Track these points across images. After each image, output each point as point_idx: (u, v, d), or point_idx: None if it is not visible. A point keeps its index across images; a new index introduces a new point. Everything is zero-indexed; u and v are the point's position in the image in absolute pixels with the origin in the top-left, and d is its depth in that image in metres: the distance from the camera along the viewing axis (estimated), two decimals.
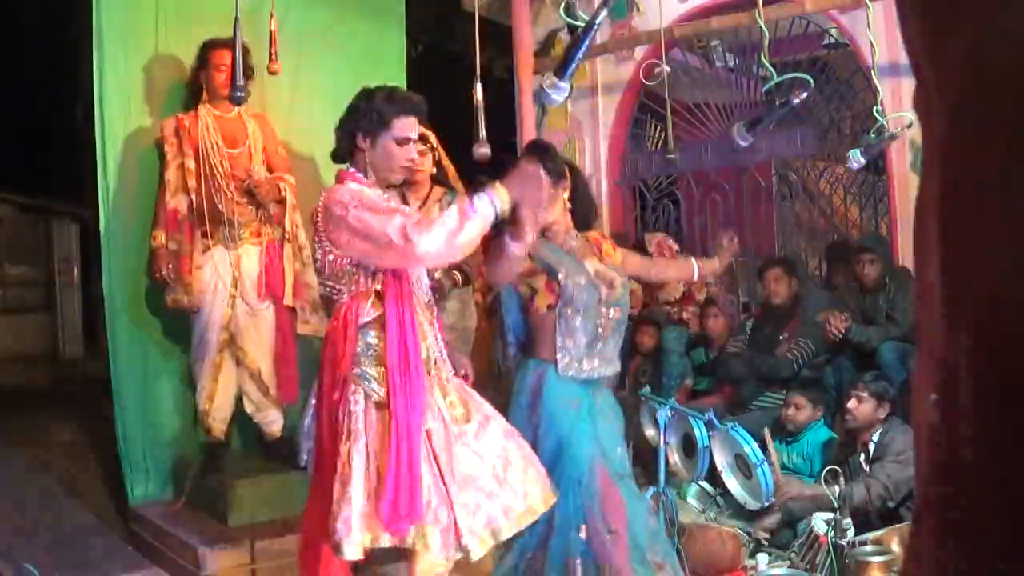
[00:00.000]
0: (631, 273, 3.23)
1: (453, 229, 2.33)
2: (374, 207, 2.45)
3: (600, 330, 2.86)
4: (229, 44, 3.92)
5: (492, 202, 2.37)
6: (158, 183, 4.21)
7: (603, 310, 2.88)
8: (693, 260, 3.41)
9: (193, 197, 4.09)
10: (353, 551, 2.40)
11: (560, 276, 2.83)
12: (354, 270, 2.52)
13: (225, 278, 4.12)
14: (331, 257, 2.51)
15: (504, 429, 2.67)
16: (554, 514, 2.71)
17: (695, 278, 3.50)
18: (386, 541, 2.43)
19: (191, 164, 4.11)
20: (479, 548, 2.51)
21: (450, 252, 2.40)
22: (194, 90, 4.29)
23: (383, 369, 2.48)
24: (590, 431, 2.83)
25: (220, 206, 4.09)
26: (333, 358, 2.50)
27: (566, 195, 2.95)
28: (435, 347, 2.63)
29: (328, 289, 2.58)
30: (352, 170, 2.61)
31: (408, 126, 2.58)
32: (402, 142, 2.58)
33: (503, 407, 2.86)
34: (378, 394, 2.48)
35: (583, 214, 3.04)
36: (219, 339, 4.10)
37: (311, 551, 2.59)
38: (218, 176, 4.11)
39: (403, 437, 2.41)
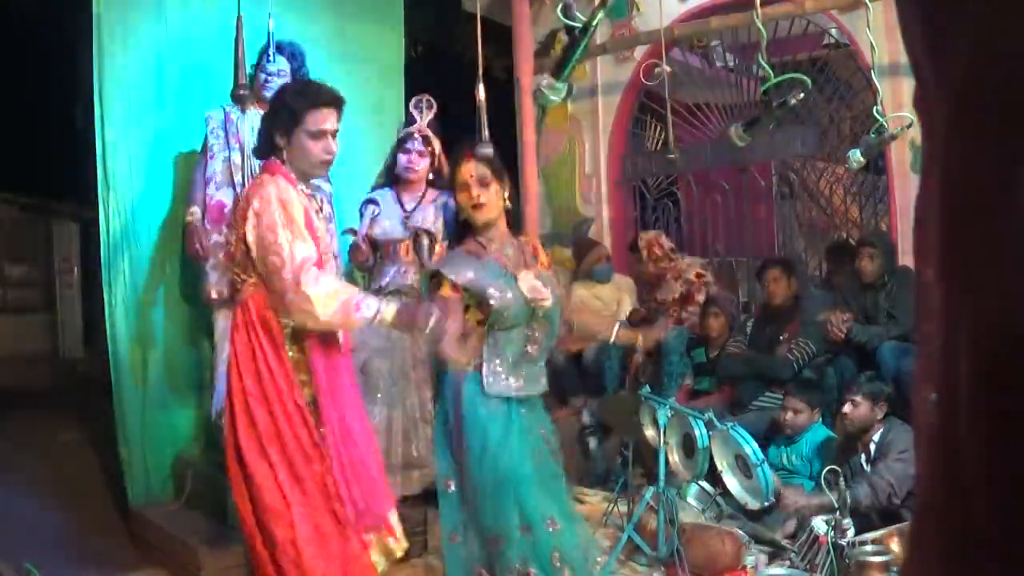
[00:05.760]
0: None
1: (341, 309, 2.40)
2: (289, 223, 2.43)
3: (528, 347, 2.74)
4: (281, 48, 3.91)
5: (375, 314, 2.44)
6: (197, 166, 4.14)
7: (533, 326, 2.75)
8: (617, 323, 3.34)
9: (238, 191, 3.99)
10: None
11: (490, 294, 2.67)
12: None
13: None
14: (243, 246, 2.48)
15: None
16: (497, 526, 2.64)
17: (611, 340, 3.34)
18: None
19: (237, 159, 4.05)
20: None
21: (326, 323, 2.44)
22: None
23: (302, 375, 2.50)
24: (519, 438, 2.73)
25: None
26: (247, 354, 2.47)
27: (506, 194, 2.81)
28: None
29: (235, 276, 2.55)
30: (278, 162, 2.56)
31: (321, 119, 2.54)
32: (316, 136, 2.53)
33: None
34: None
35: (516, 216, 2.95)
36: None
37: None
38: None
39: (335, 435, 2.50)
